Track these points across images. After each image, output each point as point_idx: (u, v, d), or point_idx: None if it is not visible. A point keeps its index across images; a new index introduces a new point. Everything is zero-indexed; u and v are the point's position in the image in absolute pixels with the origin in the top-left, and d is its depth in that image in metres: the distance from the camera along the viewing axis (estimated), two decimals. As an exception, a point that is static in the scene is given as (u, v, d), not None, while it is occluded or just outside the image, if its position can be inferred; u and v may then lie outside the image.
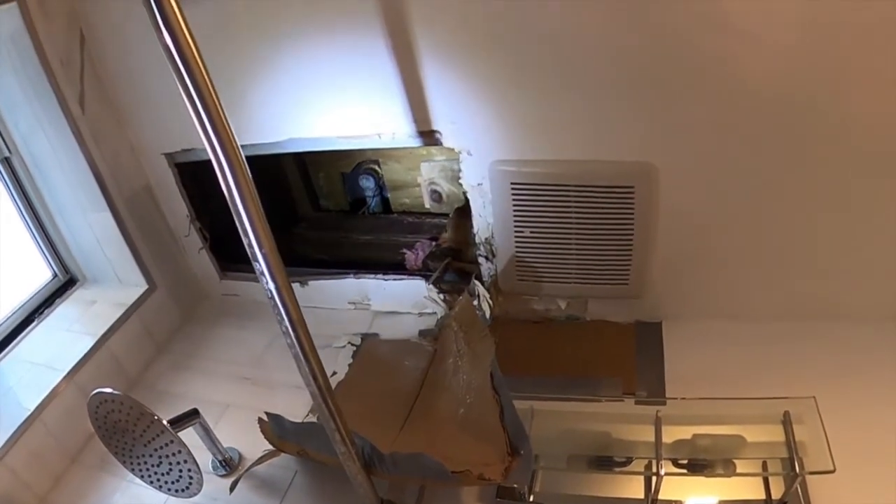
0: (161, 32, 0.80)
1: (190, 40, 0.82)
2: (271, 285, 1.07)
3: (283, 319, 1.11)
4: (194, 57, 0.83)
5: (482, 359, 1.60)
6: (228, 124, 0.90)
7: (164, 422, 1.50)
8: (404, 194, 2.47)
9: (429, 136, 1.82)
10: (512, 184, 1.78)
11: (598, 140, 1.70)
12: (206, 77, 0.85)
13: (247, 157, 2.04)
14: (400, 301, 2.20)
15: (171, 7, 0.80)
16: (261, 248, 1.04)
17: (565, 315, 2.05)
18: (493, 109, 1.72)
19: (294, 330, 1.12)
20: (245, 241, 1.02)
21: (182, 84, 0.84)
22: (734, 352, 1.83)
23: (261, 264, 1.05)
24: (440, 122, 1.79)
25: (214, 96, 0.87)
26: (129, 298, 2.20)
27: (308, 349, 1.16)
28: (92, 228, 2.15)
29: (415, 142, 1.84)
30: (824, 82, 1.47)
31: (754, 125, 1.57)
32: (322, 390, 1.21)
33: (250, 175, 0.97)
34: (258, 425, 1.71)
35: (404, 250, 2.24)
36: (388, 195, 2.51)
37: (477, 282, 1.89)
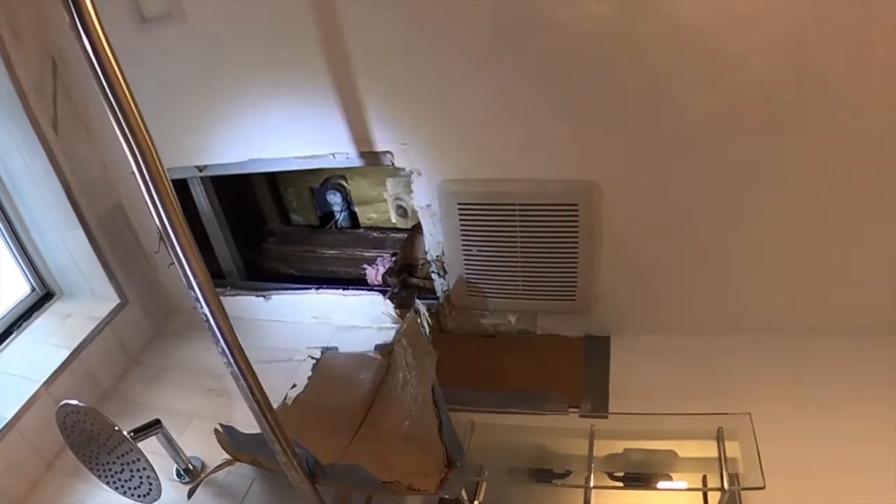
0: (90, 61, 0.88)
1: (113, 62, 0.88)
2: (205, 310, 1.14)
3: (218, 341, 1.18)
4: (118, 78, 0.89)
5: (427, 374, 1.67)
6: (155, 150, 0.96)
7: (125, 432, 1.56)
8: (371, 209, 2.51)
9: (380, 156, 1.87)
10: (458, 203, 1.84)
11: (542, 159, 1.74)
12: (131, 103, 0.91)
13: (215, 176, 2.12)
14: (360, 315, 2.24)
15: (98, 36, 0.87)
16: (195, 277, 1.10)
17: (516, 329, 2.10)
18: (441, 130, 1.77)
19: (231, 351, 1.20)
20: (180, 271, 1.09)
21: (109, 108, 0.90)
22: (679, 366, 1.87)
23: (195, 291, 1.12)
24: (391, 142, 1.84)
25: (139, 122, 0.93)
26: (103, 312, 2.26)
27: (245, 368, 1.23)
28: (66, 245, 2.21)
29: (368, 162, 1.90)
30: (776, 93, 1.49)
31: (695, 143, 1.61)
32: (260, 405, 1.28)
33: (179, 207, 1.03)
34: (215, 436, 1.78)
35: (365, 266, 2.30)
36: (356, 210, 2.56)
37: (418, 300, 1.96)
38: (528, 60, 1.60)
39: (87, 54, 0.88)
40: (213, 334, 1.18)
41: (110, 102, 0.90)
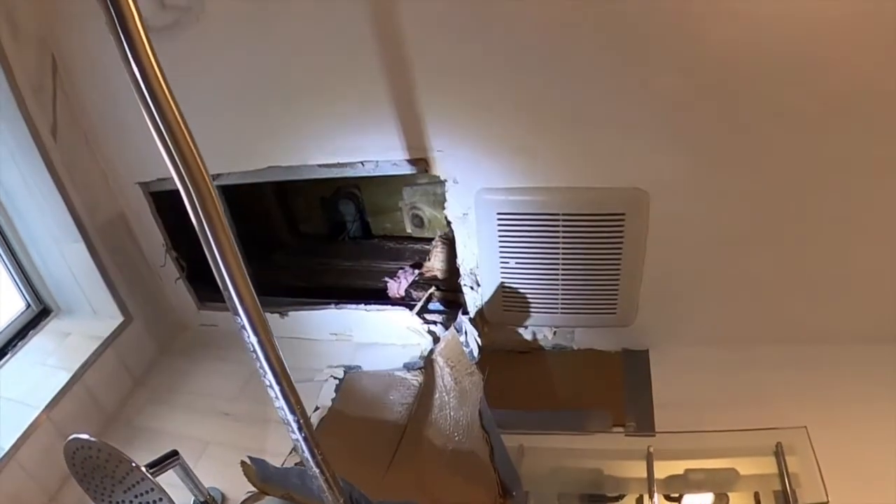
0: (129, 63, 0.77)
1: (158, 71, 0.78)
2: (253, 339, 1.03)
3: (266, 373, 1.07)
4: (162, 89, 0.79)
5: (470, 396, 1.58)
6: (204, 166, 0.86)
7: (143, 468, 1.46)
8: (385, 219, 2.45)
9: (415, 164, 1.79)
10: (498, 213, 1.76)
11: (587, 166, 1.68)
12: (176, 113, 0.81)
13: (225, 185, 2.02)
14: (382, 332, 2.16)
15: (140, 37, 0.76)
16: (242, 303, 1.00)
17: (552, 344, 2.03)
18: (481, 137, 1.70)
19: (279, 384, 1.08)
20: (224, 294, 0.98)
21: (150, 118, 0.80)
22: (722, 378, 1.82)
23: (242, 319, 1.01)
24: (427, 149, 1.76)
25: (187, 135, 0.83)
26: (105, 331, 2.16)
27: (294, 401, 1.12)
28: (65, 259, 2.11)
29: (399, 170, 1.82)
30: (828, 101, 1.45)
31: (747, 151, 1.56)
32: (308, 440, 1.17)
33: (230, 229, 0.93)
34: (241, 468, 1.67)
35: (386, 279, 2.21)
36: (369, 220, 2.48)
37: (464, 317, 1.85)
38: (573, 63, 1.53)
39: (126, 56, 0.77)
40: (260, 365, 1.06)
41: (150, 108, 0.80)
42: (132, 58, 0.77)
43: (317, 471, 1.21)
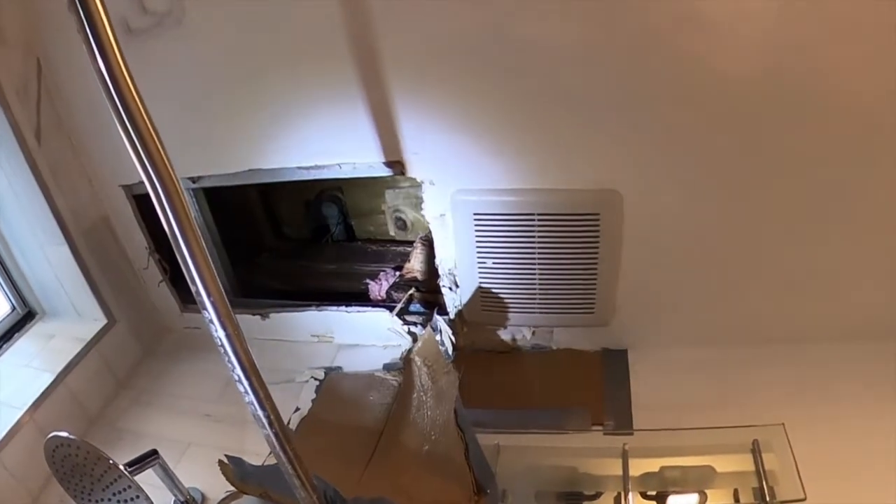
0: (98, 66, 0.78)
1: (127, 75, 0.79)
2: (220, 333, 1.04)
3: (234, 368, 1.08)
4: (131, 93, 0.80)
5: (446, 394, 1.58)
6: (171, 167, 0.87)
7: (121, 466, 1.46)
8: (368, 222, 2.45)
9: (391, 166, 1.80)
10: (474, 214, 1.76)
11: (562, 168, 1.69)
12: (144, 115, 0.82)
13: (210, 189, 2.03)
14: (364, 333, 2.16)
15: (109, 41, 0.77)
16: (209, 296, 1.01)
17: (531, 344, 2.03)
18: (456, 139, 1.71)
19: (248, 379, 1.09)
20: (192, 289, 0.99)
21: (119, 119, 0.81)
22: (701, 377, 1.82)
23: (210, 312, 1.02)
24: (403, 151, 1.77)
25: (154, 136, 0.84)
26: (88, 333, 2.16)
27: (263, 397, 1.13)
28: (49, 262, 2.11)
29: (375, 172, 1.82)
30: (796, 105, 1.47)
31: (720, 152, 1.57)
32: (279, 436, 1.18)
33: (194, 220, 0.94)
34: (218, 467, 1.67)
35: (367, 281, 2.21)
36: (352, 223, 2.48)
37: (439, 317, 1.86)
38: (546, 66, 1.54)
39: (96, 61, 0.77)
40: (229, 360, 1.07)
41: (119, 112, 0.81)
42: (101, 61, 0.77)
43: (288, 466, 1.22)
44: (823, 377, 1.74)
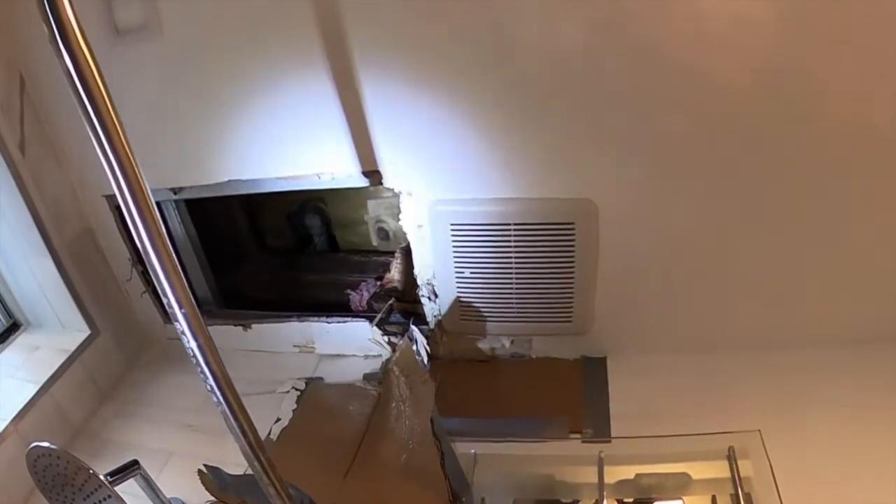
0: (70, 78, 0.80)
1: (102, 87, 0.81)
2: (192, 343, 1.05)
3: (207, 378, 1.09)
4: (105, 103, 0.83)
5: (423, 404, 1.59)
6: (141, 175, 0.89)
7: (101, 476, 1.46)
8: (351, 232, 2.46)
9: (369, 176, 1.81)
10: (451, 224, 1.78)
11: (537, 177, 1.70)
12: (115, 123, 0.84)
13: (194, 200, 2.04)
14: (345, 344, 2.17)
15: (82, 52, 0.79)
16: (180, 307, 1.02)
17: (510, 353, 2.04)
18: (432, 149, 1.73)
19: (220, 389, 1.10)
20: (164, 300, 1.00)
21: (91, 129, 0.84)
22: (679, 385, 1.83)
23: (181, 323, 1.03)
24: (380, 162, 1.78)
25: (125, 144, 0.86)
26: (72, 344, 2.16)
27: (236, 406, 1.14)
28: (34, 273, 2.11)
29: (354, 182, 1.83)
30: (773, 114, 1.48)
31: (695, 162, 1.59)
32: (252, 446, 1.19)
33: (163, 230, 0.95)
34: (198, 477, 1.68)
35: (349, 291, 2.22)
36: (336, 233, 2.49)
37: (414, 327, 1.87)
38: (520, 77, 1.56)
39: (68, 71, 0.80)
40: (201, 370, 1.07)
41: (92, 122, 0.83)
42: (74, 72, 0.80)
43: (263, 476, 1.23)
44: (801, 384, 1.74)
